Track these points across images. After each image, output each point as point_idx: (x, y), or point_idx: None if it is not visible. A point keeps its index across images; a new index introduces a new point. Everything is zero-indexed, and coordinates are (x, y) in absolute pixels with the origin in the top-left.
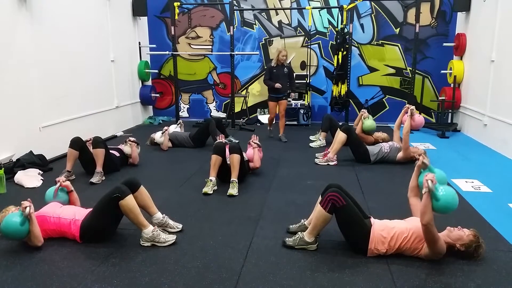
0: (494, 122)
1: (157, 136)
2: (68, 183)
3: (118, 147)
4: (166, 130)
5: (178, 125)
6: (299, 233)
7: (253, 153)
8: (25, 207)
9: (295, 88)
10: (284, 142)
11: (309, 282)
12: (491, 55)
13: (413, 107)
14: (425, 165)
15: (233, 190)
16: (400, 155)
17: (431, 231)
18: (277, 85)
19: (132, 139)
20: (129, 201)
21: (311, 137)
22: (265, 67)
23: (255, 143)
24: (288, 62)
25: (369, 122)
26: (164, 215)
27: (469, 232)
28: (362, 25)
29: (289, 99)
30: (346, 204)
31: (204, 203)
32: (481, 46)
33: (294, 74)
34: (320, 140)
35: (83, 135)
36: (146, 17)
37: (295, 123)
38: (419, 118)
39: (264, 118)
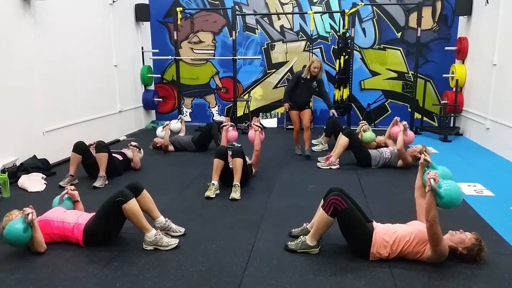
0: (497, 125)
1: (159, 131)
2: (75, 192)
3: (121, 151)
4: (167, 124)
5: (178, 120)
6: (301, 237)
7: (255, 135)
8: (27, 214)
9: (330, 102)
10: (306, 155)
11: (311, 286)
12: (493, 59)
13: (405, 122)
14: (427, 162)
15: (236, 194)
16: (400, 163)
17: (436, 228)
18: (286, 106)
19: (133, 144)
20: (132, 205)
21: (313, 141)
22: (294, 73)
23: (256, 125)
24: (321, 76)
25: (368, 134)
26: (166, 219)
27: (471, 235)
28: (364, 29)
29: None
30: (348, 208)
31: (206, 207)
32: (483, 50)
33: (324, 87)
34: (322, 144)
35: (86, 140)
36: (149, 22)
37: None
38: (411, 133)
39: (266, 122)
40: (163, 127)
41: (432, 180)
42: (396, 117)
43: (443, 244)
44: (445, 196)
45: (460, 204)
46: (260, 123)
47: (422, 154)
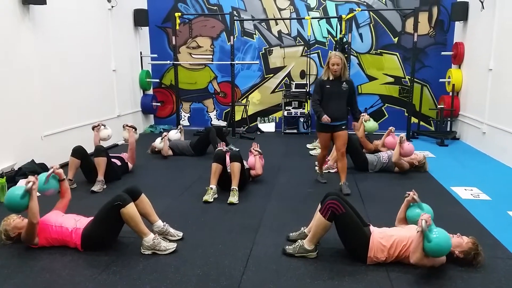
0: (493, 130)
1: (157, 142)
2: (60, 170)
3: (120, 155)
4: (166, 136)
5: (178, 130)
6: (299, 241)
7: (255, 160)
8: (29, 182)
9: (358, 114)
10: (346, 194)
11: None
12: (489, 64)
13: (402, 135)
14: (414, 201)
15: (234, 198)
16: (397, 169)
17: (423, 264)
18: (325, 118)
19: (129, 124)
20: (130, 209)
21: (308, 145)
22: (315, 80)
23: (256, 150)
24: (347, 75)
25: (370, 123)
26: (164, 223)
27: (468, 239)
28: (360, 35)
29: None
30: (346, 212)
31: (204, 211)
32: (479, 55)
33: (355, 93)
34: (319, 148)
35: (84, 144)
36: (147, 27)
37: (295, 131)
38: (408, 146)
39: (264, 127)
40: (162, 139)
41: (424, 222)
42: (390, 127)
43: (436, 264)
44: (433, 241)
45: (445, 254)
46: (259, 149)
47: (412, 192)
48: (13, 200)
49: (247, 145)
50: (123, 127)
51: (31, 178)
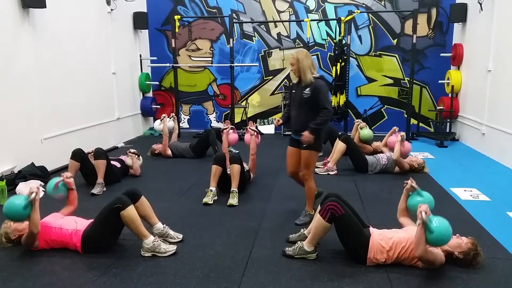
0: (492, 131)
1: (156, 124)
2: (71, 180)
3: (120, 158)
4: (165, 117)
5: (171, 118)
6: (299, 242)
7: (251, 140)
8: (32, 193)
9: (317, 124)
10: (297, 224)
11: None
12: (487, 65)
13: (403, 133)
14: (413, 189)
15: (233, 200)
16: (397, 169)
17: (427, 259)
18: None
19: (132, 151)
20: (130, 211)
21: None
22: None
23: (252, 129)
24: (314, 76)
25: (366, 131)
26: (164, 225)
27: (467, 240)
28: (360, 37)
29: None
30: (345, 213)
31: (204, 213)
32: (478, 56)
33: (324, 97)
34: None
35: (84, 147)
36: (147, 30)
37: None
38: (408, 144)
39: (263, 129)
40: (161, 120)
41: (423, 213)
42: (394, 127)
43: (437, 262)
44: (435, 231)
45: (448, 241)
46: (256, 128)
47: (409, 180)
48: (15, 210)
49: (246, 147)
50: (126, 154)
51: (34, 188)
